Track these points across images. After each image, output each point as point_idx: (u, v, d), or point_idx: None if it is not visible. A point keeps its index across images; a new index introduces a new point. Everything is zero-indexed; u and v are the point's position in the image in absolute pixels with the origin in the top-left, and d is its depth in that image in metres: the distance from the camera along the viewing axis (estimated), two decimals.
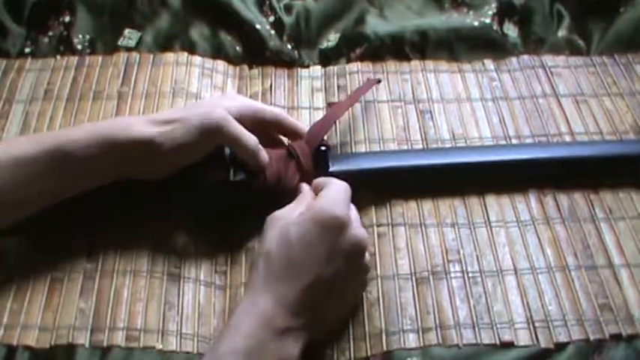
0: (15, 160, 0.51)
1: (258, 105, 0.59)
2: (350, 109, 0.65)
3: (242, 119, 0.55)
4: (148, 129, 0.52)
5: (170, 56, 0.71)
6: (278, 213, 0.51)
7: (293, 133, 0.60)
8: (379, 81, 0.68)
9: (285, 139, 0.61)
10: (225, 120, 0.53)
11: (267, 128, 0.59)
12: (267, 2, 0.76)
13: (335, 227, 0.48)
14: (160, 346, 0.51)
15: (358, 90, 0.65)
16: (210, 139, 0.54)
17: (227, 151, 0.56)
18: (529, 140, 0.65)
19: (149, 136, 0.52)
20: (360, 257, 0.50)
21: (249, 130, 0.55)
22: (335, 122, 0.64)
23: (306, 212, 0.49)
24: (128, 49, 0.72)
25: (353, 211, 0.51)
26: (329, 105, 0.65)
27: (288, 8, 0.77)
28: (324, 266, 0.47)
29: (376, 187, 0.60)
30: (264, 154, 0.55)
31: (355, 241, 0.49)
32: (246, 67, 0.72)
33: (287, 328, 0.46)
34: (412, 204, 0.60)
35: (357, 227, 0.50)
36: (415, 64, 0.72)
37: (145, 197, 0.58)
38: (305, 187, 0.55)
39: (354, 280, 0.51)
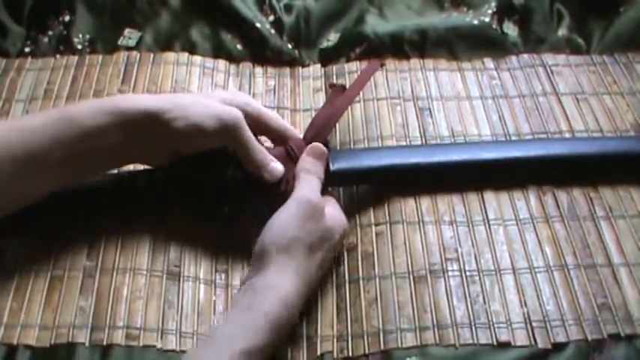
0: (21, 129, 0.50)
1: (262, 109, 0.58)
2: (349, 106, 0.64)
3: (245, 117, 0.55)
4: (159, 101, 0.51)
5: (171, 56, 0.71)
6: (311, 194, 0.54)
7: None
8: (383, 64, 0.68)
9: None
10: (243, 123, 0.53)
11: (267, 133, 0.59)
12: (267, 2, 0.76)
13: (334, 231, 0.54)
14: (160, 345, 0.51)
15: (360, 80, 0.63)
16: (224, 134, 0.52)
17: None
18: (529, 138, 0.65)
19: (159, 107, 0.51)
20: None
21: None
22: (336, 124, 0.63)
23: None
24: (128, 49, 0.72)
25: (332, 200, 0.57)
26: (331, 86, 0.64)
27: (288, 8, 0.77)
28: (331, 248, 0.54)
29: (377, 184, 0.61)
30: (274, 167, 0.55)
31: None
32: (249, 64, 0.72)
33: (298, 304, 0.50)
34: (410, 201, 0.60)
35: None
36: (414, 62, 0.72)
37: (145, 196, 0.58)
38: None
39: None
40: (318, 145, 0.57)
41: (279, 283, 0.49)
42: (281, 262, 0.50)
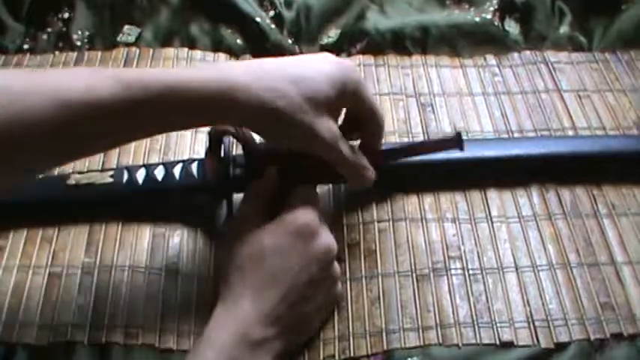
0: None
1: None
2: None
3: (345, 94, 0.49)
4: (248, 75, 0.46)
5: (170, 51, 0.71)
6: (238, 219, 0.50)
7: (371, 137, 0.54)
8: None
9: None
10: (364, 84, 0.49)
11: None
12: None
13: (306, 234, 0.49)
14: (158, 344, 0.51)
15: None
16: (344, 97, 0.48)
17: (225, 143, 0.55)
18: (531, 135, 0.64)
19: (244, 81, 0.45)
20: (331, 263, 0.50)
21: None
22: None
23: (277, 221, 0.49)
24: (127, 45, 0.72)
25: (321, 219, 0.51)
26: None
27: (288, 3, 0.77)
28: (298, 274, 0.48)
29: (378, 182, 0.60)
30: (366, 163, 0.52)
31: (325, 247, 0.49)
32: (248, 56, 0.71)
33: (262, 340, 0.46)
34: (413, 198, 0.59)
35: (326, 234, 0.50)
36: (417, 58, 0.72)
37: (144, 194, 0.57)
38: (254, 183, 0.53)
39: (325, 289, 0.51)
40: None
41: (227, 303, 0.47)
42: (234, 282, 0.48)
